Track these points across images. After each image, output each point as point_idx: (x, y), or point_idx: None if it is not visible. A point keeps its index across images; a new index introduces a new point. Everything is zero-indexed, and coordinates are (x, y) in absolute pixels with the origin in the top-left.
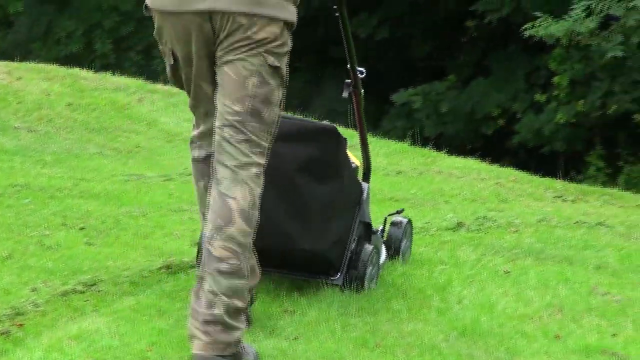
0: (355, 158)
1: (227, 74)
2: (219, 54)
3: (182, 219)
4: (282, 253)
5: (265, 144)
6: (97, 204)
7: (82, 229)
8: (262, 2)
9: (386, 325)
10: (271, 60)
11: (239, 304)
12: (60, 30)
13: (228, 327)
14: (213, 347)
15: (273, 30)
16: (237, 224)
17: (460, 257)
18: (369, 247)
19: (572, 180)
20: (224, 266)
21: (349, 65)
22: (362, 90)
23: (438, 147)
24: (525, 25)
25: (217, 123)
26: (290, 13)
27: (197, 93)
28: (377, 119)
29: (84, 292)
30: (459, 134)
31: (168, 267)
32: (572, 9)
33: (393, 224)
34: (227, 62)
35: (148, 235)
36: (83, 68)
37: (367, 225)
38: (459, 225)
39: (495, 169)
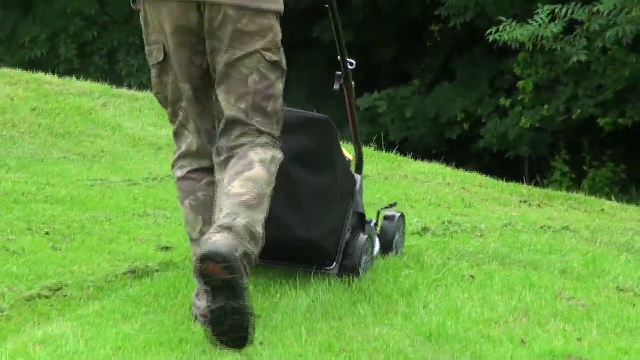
0: (347, 152)
1: (227, 74)
2: (211, 47)
3: (147, 223)
4: (279, 243)
5: (275, 133)
6: (62, 208)
7: (47, 233)
8: None
9: (352, 330)
10: (268, 56)
11: (259, 230)
12: (24, 35)
13: (246, 238)
14: (227, 241)
15: (262, 22)
16: (257, 170)
17: (426, 261)
18: (363, 237)
19: (537, 185)
20: (244, 200)
21: (339, 57)
22: (353, 83)
23: (403, 152)
24: (490, 30)
25: (222, 124)
26: (278, 3)
27: (178, 98)
28: (341, 124)
29: (49, 297)
30: (424, 138)
31: (133, 272)
32: (537, 13)
33: (386, 217)
34: (225, 61)
35: (113, 240)
36: (47, 73)
37: (361, 216)
38: (425, 230)
39: (461, 173)
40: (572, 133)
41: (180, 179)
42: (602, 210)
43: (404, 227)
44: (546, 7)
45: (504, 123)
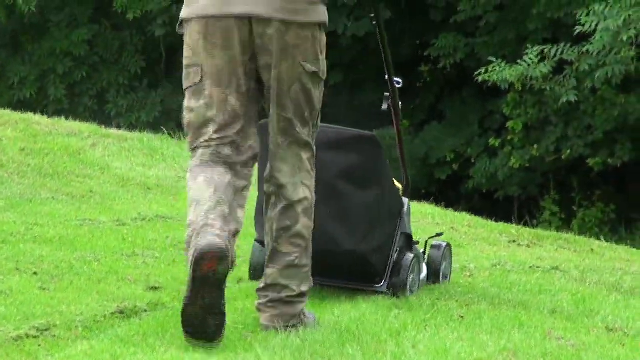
0: (396, 182)
1: (271, 84)
2: (263, 62)
3: (136, 263)
4: (326, 256)
5: (310, 140)
6: (51, 248)
7: (35, 273)
8: (296, 9)
9: None
10: (308, 67)
11: (305, 288)
12: (13, 75)
13: (292, 303)
14: (279, 318)
15: (305, 34)
16: (302, 222)
17: (415, 301)
18: (410, 256)
19: (526, 224)
20: (290, 259)
21: (387, 77)
22: (400, 103)
23: None
24: (479, 70)
25: (270, 131)
26: (322, 14)
27: (220, 106)
28: None
29: (37, 337)
30: (413, 178)
31: (122, 312)
32: (526, 53)
33: (433, 246)
34: (270, 72)
35: (102, 280)
36: (36, 113)
37: (409, 237)
38: None
39: (450, 213)
40: (561, 173)
41: (195, 165)
42: (592, 250)
43: (451, 256)
44: (535, 48)
45: (493, 163)
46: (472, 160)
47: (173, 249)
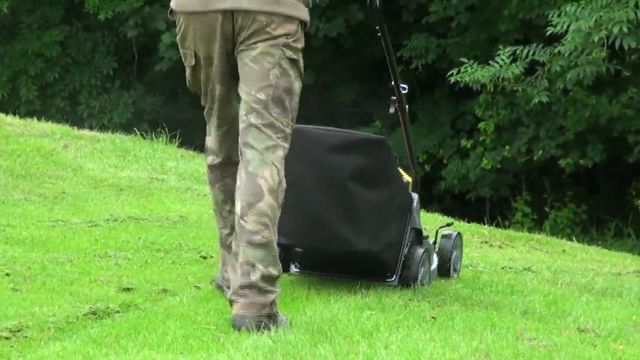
0: (404, 174)
1: (250, 66)
2: (240, 49)
3: (109, 264)
4: (337, 256)
5: (288, 130)
6: (23, 250)
7: (7, 275)
8: (280, 1)
9: None
10: (289, 53)
11: (274, 272)
12: None
13: (263, 291)
14: (251, 307)
15: (290, 27)
16: (267, 200)
17: (387, 302)
18: (420, 250)
19: (498, 225)
20: (257, 238)
21: (392, 83)
22: (407, 106)
23: None
24: (451, 71)
25: (242, 112)
26: (304, 13)
27: (212, 95)
28: None
29: (9, 338)
30: None
31: (94, 313)
32: (498, 54)
33: (443, 236)
34: (249, 56)
35: (74, 281)
36: (8, 114)
37: (418, 232)
38: None
39: (422, 214)
40: (533, 174)
41: (212, 166)
42: (563, 251)
43: (462, 246)
44: (507, 49)
45: (465, 164)
46: (444, 161)
47: (145, 250)
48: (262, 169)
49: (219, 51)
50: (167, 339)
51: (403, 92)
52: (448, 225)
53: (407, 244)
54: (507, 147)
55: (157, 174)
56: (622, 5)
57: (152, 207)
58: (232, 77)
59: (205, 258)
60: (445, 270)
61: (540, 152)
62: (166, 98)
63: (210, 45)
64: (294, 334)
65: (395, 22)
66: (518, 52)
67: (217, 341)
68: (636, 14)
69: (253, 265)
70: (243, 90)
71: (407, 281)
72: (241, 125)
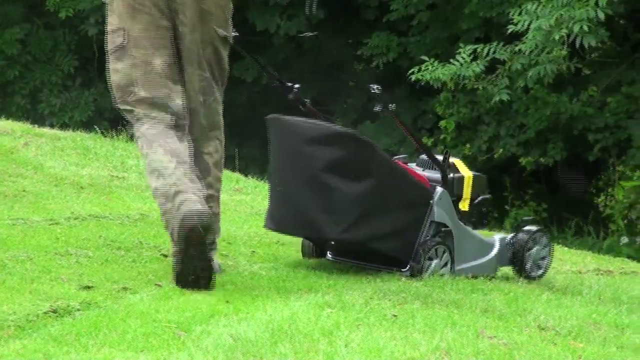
0: (465, 169)
1: (188, 47)
2: (178, 25)
3: (69, 262)
4: (317, 242)
5: (221, 100)
6: None
7: None
8: None
9: None
10: (220, 32)
11: (216, 238)
12: None
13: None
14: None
15: (221, 2)
16: (213, 173)
17: (348, 300)
18: (432, 242)
19: None
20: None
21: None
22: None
23: None
24: (412, 70)
25: (189, 90)
26: None
27: (145, 67)
28: (264, 163)
29: None
30: None
31: (55, 311)
32: (458, 53)
33: (522, 232)
34: (187, 37)
35: (35, 280)
36: None
37: (440, 225)
38: (346, 268)
39: None
40: (493, 172)
41: (144, 129)
42: None
43: (547, 245)
44: (468, 47)
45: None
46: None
47: (106, 248)
48: (207, 143)
49: (155, 24)
50: (127, 337)
51: (377, 92)
52: (527, 220)
53: (428, 236)
54: (467, 145)
55: (118, 172)
56: (582, 4)
57: (113, 205)
58: (170, 53)
59: (165, 256)
60: (519, 266)
61: (501, 150)
62: None
63: (143, 19)
64: (255, 332)
65: (356, 21)
66: (479, 50)
67: (177, 339)
68: (596, 12)
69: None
70: (188, 69)
71: (413, 272)
72: (189, 104)
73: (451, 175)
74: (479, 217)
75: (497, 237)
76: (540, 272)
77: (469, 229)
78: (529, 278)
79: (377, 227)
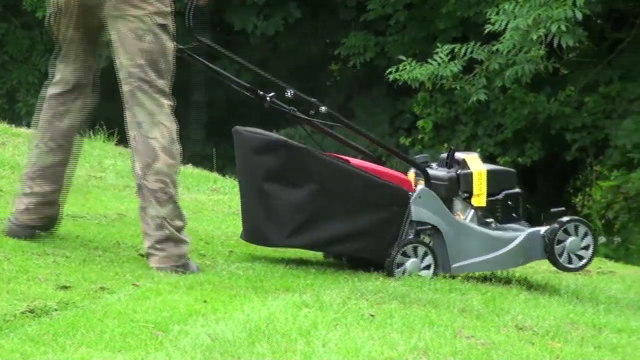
0: (478, 164)
1: (125, 33)
2: (109, 11)
3: (47, 262)
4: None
5: (167, 90)
6: None
7: None
8: None
9: None
10: (159, 19)
11: (180, 223)
12: None
13: (178, 242)
14: (168, 260)
15: None
16: (162, 159)
17: (325, 300)
18: (404, 241)
19: None
20: (160, 195)
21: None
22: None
23: None
24: (389, 69)
25: (122, 75)
26: None
27: (67, 39)
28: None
29: None
30: None
31: (32, 311)
32: (436, 52)
33: (551, 222)
34: (122, 23)
35: (12, 279)
36: None
37: (420, 224)
38: (323, 267)
39: None
40: None
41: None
42: None
43: (590, 234)
44: (445, 47)
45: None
46: (383, 159)
47: (83, 248)
48: (153, 130)
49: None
50: (105, 337)
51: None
52: (556, 212)
53: (407, 236)
54: (445, 145)
55: (95, 171)
56: (560, 4)
57: (90, 205)
58: (89, 32)
59: (143, 256)
60: (550, 259)
61: (479, 150)
62: (103, 96)
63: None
64: (232, 332)
65: (333, 20)
66: (456, 50)
67: (155, 339)
68: (574, 12)
69: (164, 220)
70: (121, 54)
71: (384, 270)
72: (125, 88)
73: (457, 171)
74: (506, 211)
75: (524, 231)
76: (581, 263)
77: (471, 225)
78: (566, 270)
79: (335, 229)
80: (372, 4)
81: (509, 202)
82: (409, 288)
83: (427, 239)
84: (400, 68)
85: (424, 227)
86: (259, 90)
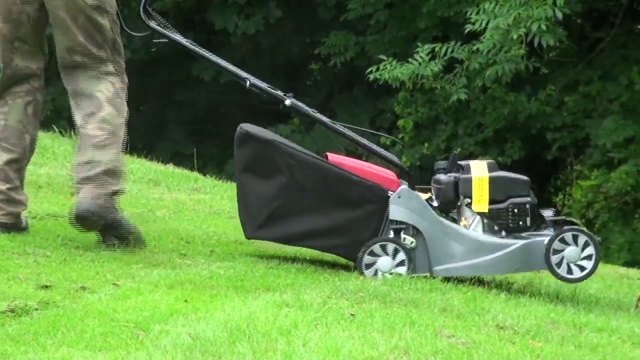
0: (482, 171)
1: (59, 15)
2: None
3: (27, 262)
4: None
5: (110, 60)
6: None
7: None
8: None
9: None
10: (90, 2)
11: (115, 168)
12: None
13: (104, 184)
14: (92, 195)
15: None
16: (106, 109)
17: (306, 300)
18: (377, 239)
19: None
20: (98, 140)
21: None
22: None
23: None
24: (370, 69)
25: (62, 53)
26: None
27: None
28: (221, 162)
29: None
30: None
31: (12, 310)
32: (416, 52)
33: (549, 231)
34: (56, 7)
35: None
36: None
37: (397, 223)
38: (303, 266)
39: None
40: None
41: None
42: None
43: (592, 244)
44: (426, 46)
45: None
46: (363, 159)
47: (64, 248)
48: (98, 85)
49: None
50: (85, 336)
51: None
52: (562, 217)
53: (382, 232)
54: (426, 144)
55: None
56: (540, 3)
57: (71, 204)
58: (23, 21)
59: (124, 255)
60: (548, 268)
61: (459, 149)
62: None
63: None
64: (213, 331)
65: (313, 19)
66: (437, 49)
67: (136, 339)
68: (554, 11)
69: (96, 163)
70: (59, 34)
71: (360, 268)
72: (64, 62)
73: (457, 175)
74: (510, 219)
75: (525, 239)
76: (582, 274)
77: (457, 227)
78: (565, 280)
79: (308, 224)
80: (352, 4)
81: (515, 210)
82: (389, 287)
83: (408, 239)
84: (381, 67)
85: (400, 227)
86: (279, 92)
